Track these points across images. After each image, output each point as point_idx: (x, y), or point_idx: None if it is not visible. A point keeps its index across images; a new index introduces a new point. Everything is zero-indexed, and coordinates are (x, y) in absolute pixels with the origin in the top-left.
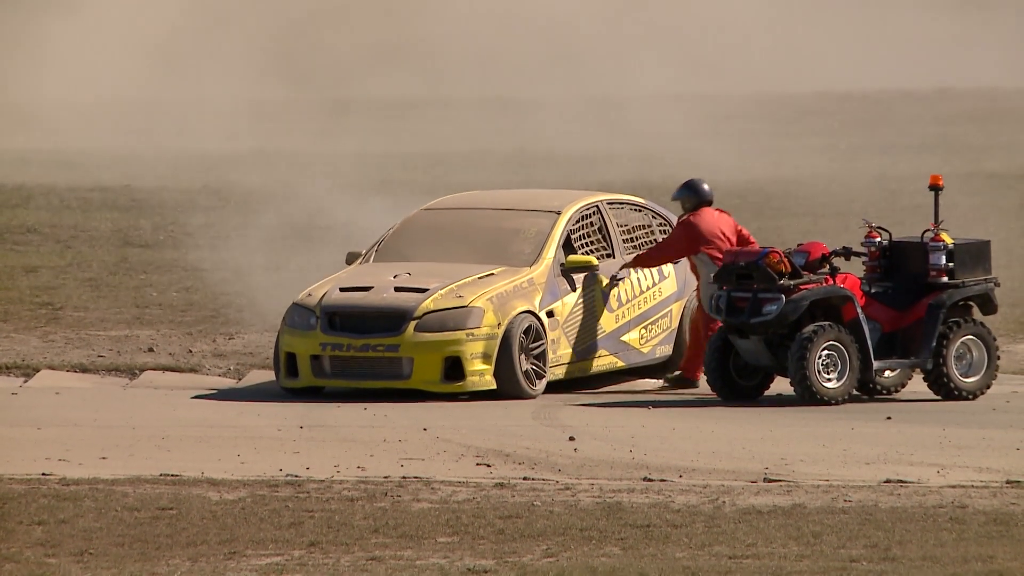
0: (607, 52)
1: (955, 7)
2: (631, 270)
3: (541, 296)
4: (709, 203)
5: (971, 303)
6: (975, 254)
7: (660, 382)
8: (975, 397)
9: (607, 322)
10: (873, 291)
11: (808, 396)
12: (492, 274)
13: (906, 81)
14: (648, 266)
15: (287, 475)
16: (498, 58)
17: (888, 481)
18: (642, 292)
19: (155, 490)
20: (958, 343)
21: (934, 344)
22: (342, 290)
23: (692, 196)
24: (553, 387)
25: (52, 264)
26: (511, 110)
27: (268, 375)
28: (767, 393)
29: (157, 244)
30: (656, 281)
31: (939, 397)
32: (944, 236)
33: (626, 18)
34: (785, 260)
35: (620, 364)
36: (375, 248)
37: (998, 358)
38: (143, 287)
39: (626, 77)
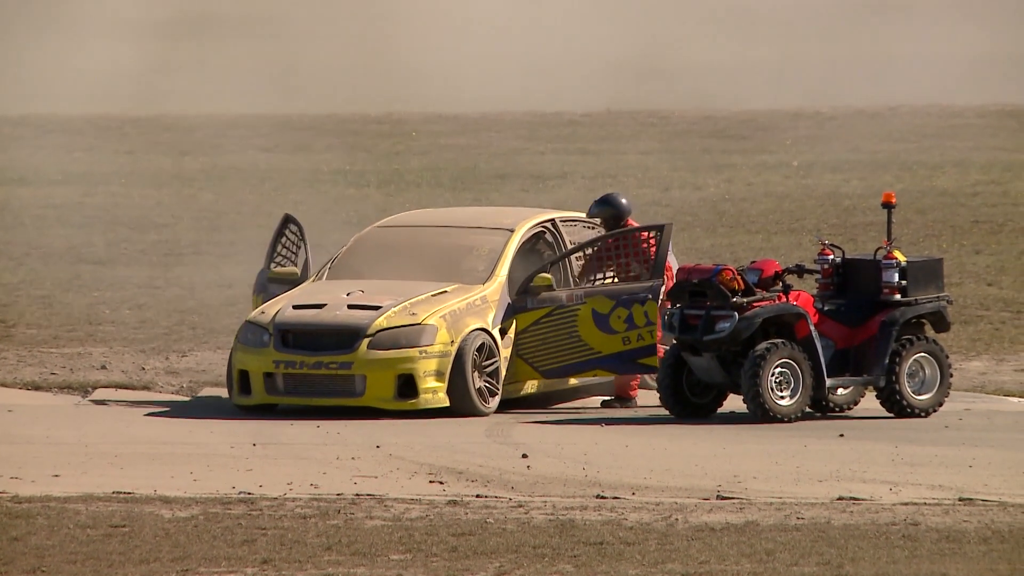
0: (559, 68)
1: (907, 23)
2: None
3: (494, 313)
4: (628, 217)
5: (924, 321)
6: (928, 272)
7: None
8: (928, 414)
9: (605, 343)
10: (826, 308)
11: (761, 413)
12: (445, 291)
13: (858, 98)
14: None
15: (240, 492)
16: (451, 74)
17: (841, 498)
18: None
19: (108, 507)
20: (911, 360)
21: (887, 361)
22: (295, 307)
23: (611, 210)
24: (507, 404)
25: (4, 281)
26: (464, 127)
27: (221, 392)
28: (720, 410)
29: (110, 261)
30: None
31: (892, 414)
32: (897, 254)
33: (580, 34)
34: (738, 277)
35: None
36: (328, 265)
37: (951, 376)
38: (96, 304)
39: (578, 94)
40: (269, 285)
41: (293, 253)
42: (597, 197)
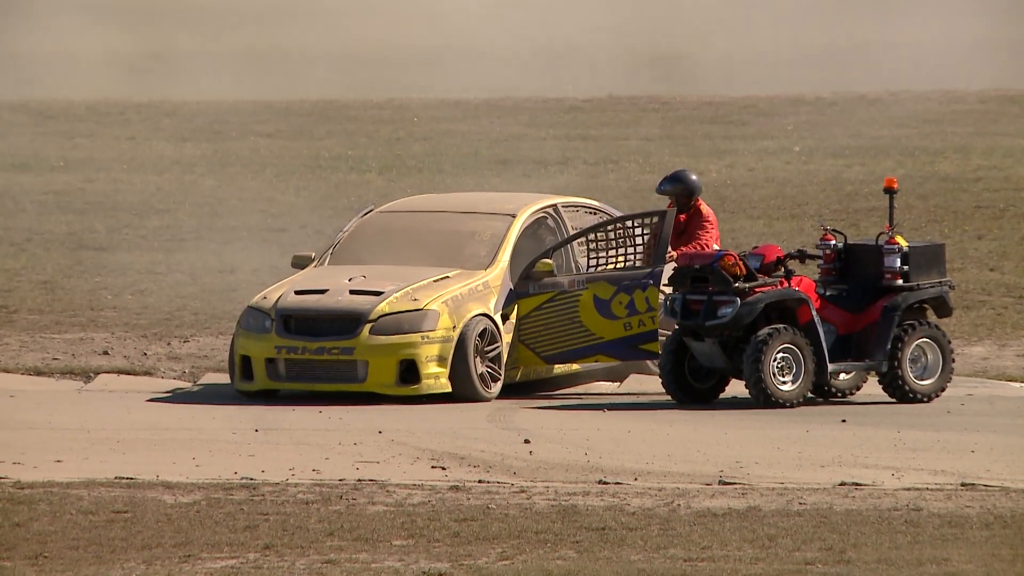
0: (560, 54)
1: (908, 9)
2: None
3: (496, 299)
4: (699, 194)
5: (926, 306)
6: (930, 257)
7: (617, 385)
8: (930, 400)
9: (607, 329)
10: (828, 294)
11: (763, 399)
12: (447, 277)
13: (859, 84)
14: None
15: (242, 478)
16: (452, 60)
17: (843, 484)
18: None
19: (110, 493)
20: (913, 346)
21: (889, 347)
22: (297, 293)
23: (681, 187)
24: (508, 390)
25: (6, 267)
26: (465, 113)
27: (223, 378)
28: (722, 396)
29: (112, 247)
30: None
31: (894, 400)
32: (899, 239)
33: (581, 20)
34: (740, 263)
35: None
36: (330, 251)
37: (953, 361)
38: (98, 290)
39: (580, 80)
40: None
41: None
42: (667, 174)
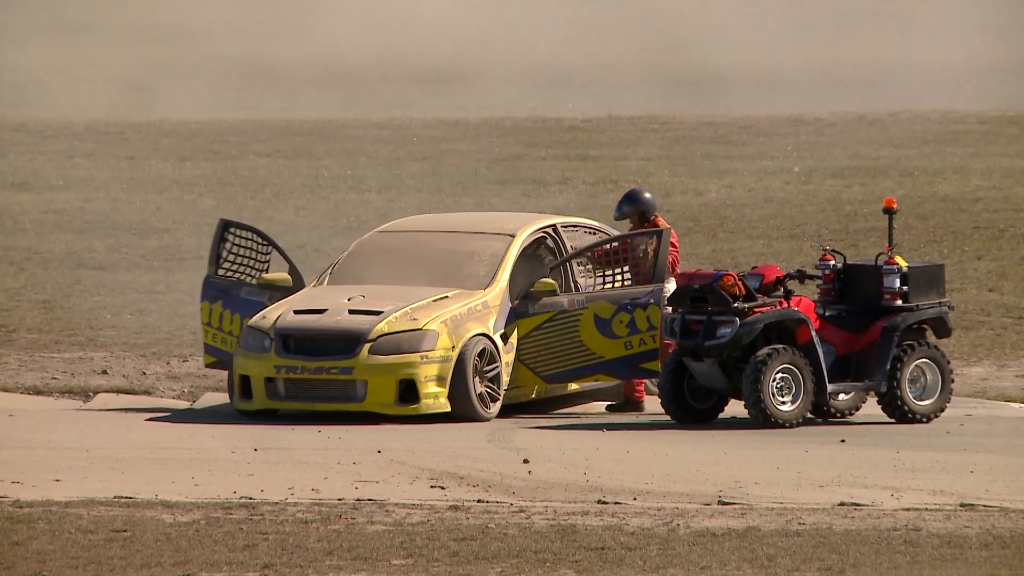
0: (559, 74)
1: (907, 30)
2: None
3: (495, 319)
4: (654, 212)
5: (925, 326)
6: (929, 277)
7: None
8: (929, 420)
9: (607, 348)
10: (827, 314)
11: (762, 419)
12: (446, 297)
13: (859, 104)
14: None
15: (241, 497)
16: (448, 79)
17: (842, 504)
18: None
19: (109, 512)
20: (912, 366)
21: (888, 367)
22: (296, 312)
23: (637, 207)
24: (508, 409)
25: (6, 286)
26: (465, 132)
27: (222, 397)
28: (721, 416)
29: (111, 266)
30: None
31: (893, 420)
32: (898, 259)
33: (581, 40)
34: (739, 283)
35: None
36: (329, 271)
37: (952, 381)
38: (97, 309)
39: (579, 100)
40: (238, 292)
41: (250, 258)
42: (621, 198)
